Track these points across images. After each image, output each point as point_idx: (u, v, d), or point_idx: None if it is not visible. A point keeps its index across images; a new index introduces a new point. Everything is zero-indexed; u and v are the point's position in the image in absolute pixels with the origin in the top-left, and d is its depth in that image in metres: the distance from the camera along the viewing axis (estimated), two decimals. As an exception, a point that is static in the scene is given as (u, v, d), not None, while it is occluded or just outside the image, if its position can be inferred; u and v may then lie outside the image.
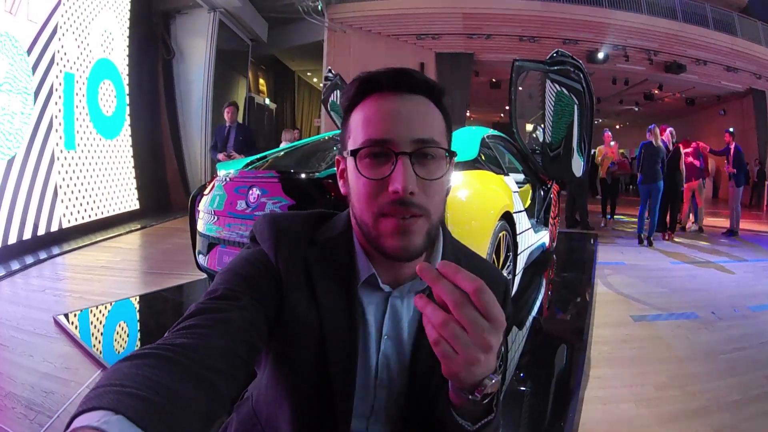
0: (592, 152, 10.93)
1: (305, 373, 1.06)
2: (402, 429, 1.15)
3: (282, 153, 4.86)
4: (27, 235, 7.49)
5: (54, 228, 8.17)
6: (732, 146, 10.80)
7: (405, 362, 1.12)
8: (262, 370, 1.18)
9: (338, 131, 5.59)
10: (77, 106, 8.97)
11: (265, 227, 1.12)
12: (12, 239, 7.19)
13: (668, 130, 10.15)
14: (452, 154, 1.03)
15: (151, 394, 0.67)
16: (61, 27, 8.51)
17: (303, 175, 3.70)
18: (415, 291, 1.10)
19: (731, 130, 11.38)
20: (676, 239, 10.30)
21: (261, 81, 20.37)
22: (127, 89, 10.82)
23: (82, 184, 9.03)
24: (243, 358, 0.88)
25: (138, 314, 5.00)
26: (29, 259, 6.75)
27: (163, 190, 12.57)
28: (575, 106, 5.86)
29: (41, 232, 7.83)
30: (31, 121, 7.73)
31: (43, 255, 7.04)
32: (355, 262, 1.09)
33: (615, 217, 12.71)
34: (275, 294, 1.03)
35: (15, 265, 6.39)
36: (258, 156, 4.81)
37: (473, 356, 0.73)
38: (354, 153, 0.99)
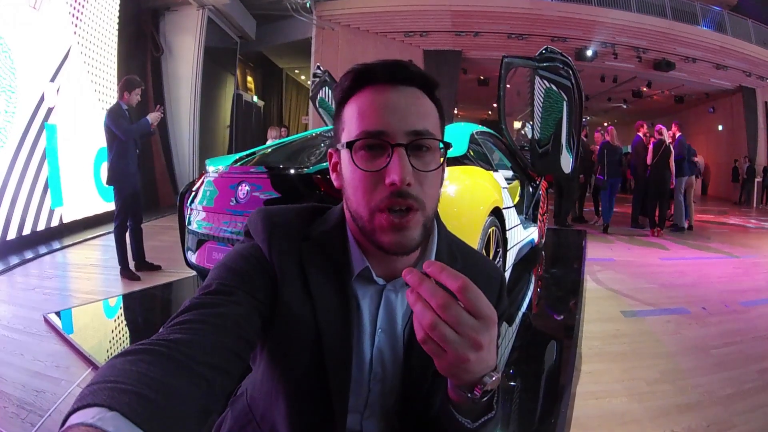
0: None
1: (301, 367, 1.05)
2: (396, 424, 1.14)
3: (269, 150, 4.85)
4: (14, 234, 7.46)
5: (42, 227, 8.13)
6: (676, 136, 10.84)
7: (399, 356, 1.11)
8: (256, 365, 1.18)
9: (326, 128, 5.56)
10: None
11: (259, 222, 1.11)
12: (5, 237, 7.17)
13: (658, 127, 10.25)
14: (447, 145, 1.02)
15: (146, 391, 0.66)
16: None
17: (292, 171, 3.68)
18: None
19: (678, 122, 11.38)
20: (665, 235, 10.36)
21: (249, 78, 20.35)
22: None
23: (70, 181, 8.97)
24: (237, 353, 0.88)
25: (127, 312, 4.98)
26: (18, 258, 6.72)
27: (151, 188, 12.52)
28: (564, 103, 5.89)
29: (29, 231, 7.79)
30: (19, 120, 7.66)
31: (31, 254, 7.02)
32: (349, 255, 1.08)
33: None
34: (269, 288, 1.02)
35: (3, 265, 6.36)
36: (246, 152, 4.80)
37: (463, 355, 0.73)
38: (349, 145, 0.98)
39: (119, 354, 0.75)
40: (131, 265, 6.01)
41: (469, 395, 0.82)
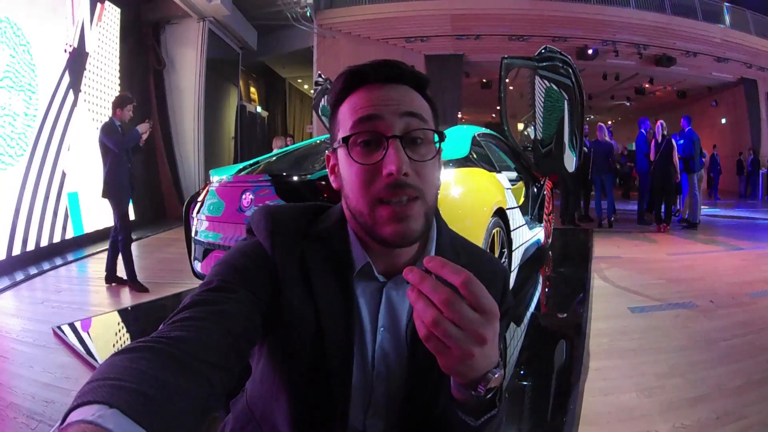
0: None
1: (302, 365, 1.05)
2: (400, 423, 1.13)
3: (273, 158, 4.87)
4: (28, 247, 7.52)
5: (54, 240, 8.18)
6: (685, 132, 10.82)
7: (403, 354, 1.10)
8: (257, 364, 1.17)
9: (328, 136, 5.61)
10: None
11: (262, 219, 1.11)
12: (11, 252, 7.19)
13: (659, 122, 10.24)
14: (441, 136, 1.03)
15: (146, 388, 0.66)
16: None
17: (295, 178, 3.70)
18: None
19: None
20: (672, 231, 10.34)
21: (252, 89, 20.35)
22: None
23: (79, 195, 8.98)
24: (238, 351, 0.88)
25: (136, 323, 4.99)
26: (28, 272, 6.76)
27: (158, 201, 12.58)
28: (565, 102, 5.88)
29: (41, 244, 7.84)
30: (35, 127, 7.56)
31: (41, 268, 7.05)
32: (350, 252, 1.08)
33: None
34: (271, 286, 1.03)
35: (11, 279, 6.39)
36: (250, 162, 4.82)
37: (467, 351, 0.72)
38: (345, 140, 0.99)
39: (119, 351, 0.75)
40: (130, 276, 6.02)
41: (473, 393, 0.82)
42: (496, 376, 0.79)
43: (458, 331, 0.71)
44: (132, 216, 10.65)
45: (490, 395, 0.84)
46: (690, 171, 10.65)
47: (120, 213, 5.99)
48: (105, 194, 5.96)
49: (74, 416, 0.61)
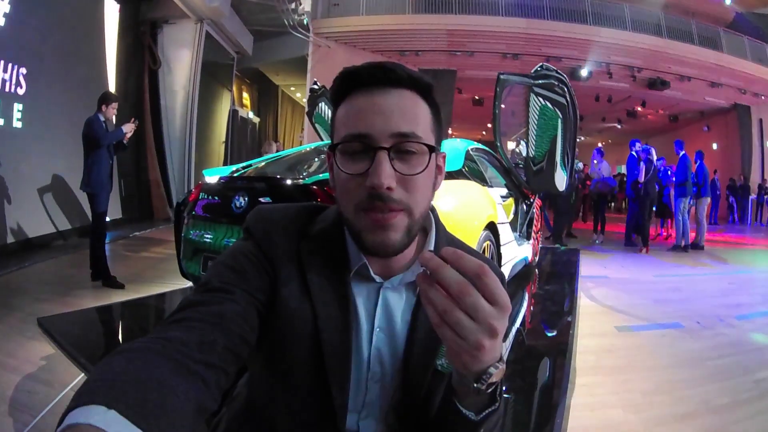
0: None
1: (300, 365, 1.05)
2: (394, 425, 1.13)
3: (263, 163, 4.87)
4: (10, 239, 7.44)
5: (39, 233, 8.11)
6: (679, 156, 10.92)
7: (398, 356, 1.09)
8: (253, 363, 1.16)
9: (321, 143, 5.59)
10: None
11: (259, 219, 1.11)
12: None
13: (651, 147, 10.36)
14: (434, 149, 1.01)
15: (144, 390, 0.67)
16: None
17: (289, 182, 3.71)
18: (407, 282, 1.09)
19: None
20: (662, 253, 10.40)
21: (245, 94, 20.39)
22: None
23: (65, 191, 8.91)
24: (234, 352, 0.88)
25: (121, 319, 5.01)
26: (13, 264, 6.71)
27: (146, 200, 12.54)
28: (559, 120, 5.91)
29: (26, 237, 7.78)
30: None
31: (27, 261, 7.00)
32: (347, 252, 1.08)
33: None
34: (268, 286, 1.03)
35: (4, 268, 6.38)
36: (243, 164, 4.82)
37: (479, 342, 0.72)
38: (333, 148, 1.01)
39: (116, 351, 0.75)
40: (102, 272, 6.04)
41: (474, 386, 0.81)
42: (498, 369, 0.80)
43: (470, 322, 0.71)
44: (119, 214, 10.67)
45: (491, 389, 0.84)
46: (682, 195, 10.72)
47: (96, 207, 6.08)
48: (83, 187, 6.06)
49: (72, 417, 0.61)
